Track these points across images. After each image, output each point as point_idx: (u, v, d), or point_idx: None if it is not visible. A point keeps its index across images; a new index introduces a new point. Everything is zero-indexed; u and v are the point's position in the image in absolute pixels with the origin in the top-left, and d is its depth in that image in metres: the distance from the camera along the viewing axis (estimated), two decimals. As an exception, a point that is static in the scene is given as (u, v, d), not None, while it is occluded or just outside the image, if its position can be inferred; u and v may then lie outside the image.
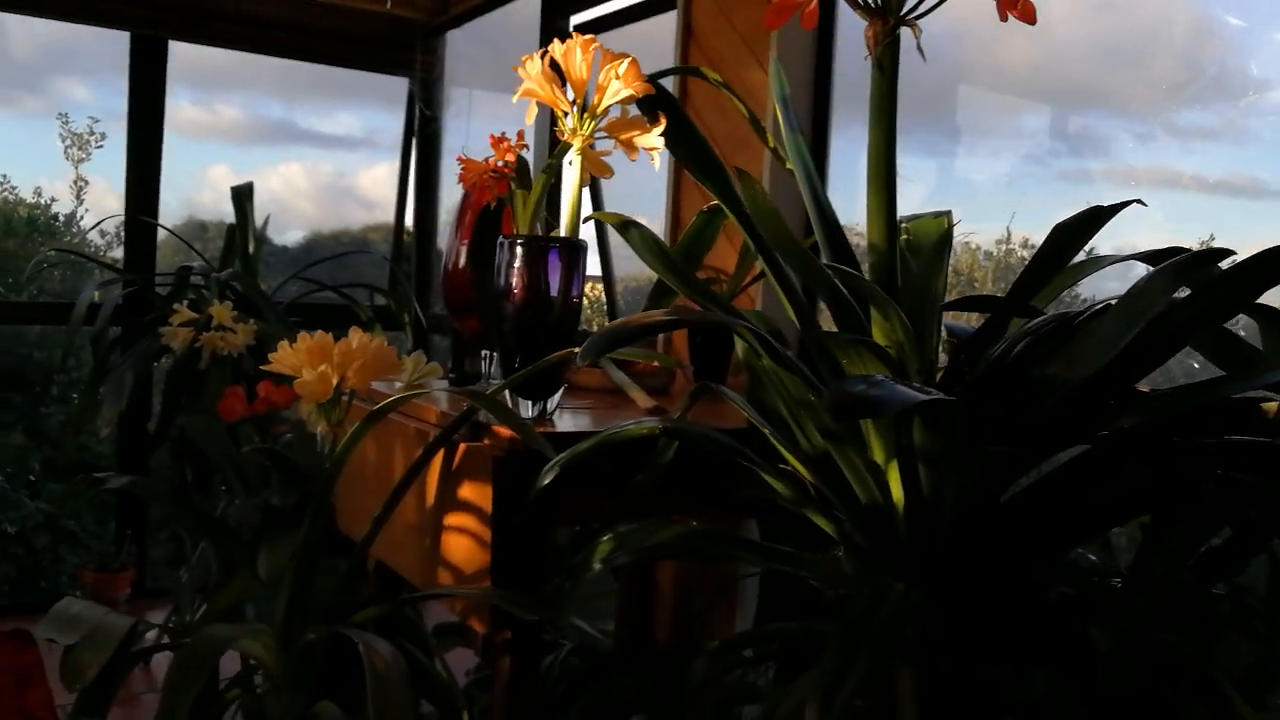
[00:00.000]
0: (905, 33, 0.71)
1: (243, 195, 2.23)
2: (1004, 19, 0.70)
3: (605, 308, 2.23)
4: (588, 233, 1.84)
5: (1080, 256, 0.81)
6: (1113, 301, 0.76)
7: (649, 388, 1.36)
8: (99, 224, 2.78)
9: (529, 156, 1.15)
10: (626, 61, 0.95)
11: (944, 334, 0.89)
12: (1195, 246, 1.60)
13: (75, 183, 2.74)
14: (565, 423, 1.06)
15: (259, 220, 2.32)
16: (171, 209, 2.67)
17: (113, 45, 2.41)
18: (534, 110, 1.02)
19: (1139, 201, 0.74)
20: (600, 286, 2.22)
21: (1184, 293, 0.70)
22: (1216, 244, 1.45)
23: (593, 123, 1.00)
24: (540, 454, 0.86)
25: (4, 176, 2.79)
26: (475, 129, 2.73)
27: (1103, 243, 1.83)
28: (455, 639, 1.41)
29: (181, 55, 2.48)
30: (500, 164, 1.05)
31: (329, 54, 2.58)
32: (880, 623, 0.63)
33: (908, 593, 0.69)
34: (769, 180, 1.45)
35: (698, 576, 1.54)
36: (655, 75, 1.02)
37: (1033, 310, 0.84)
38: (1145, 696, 0.67)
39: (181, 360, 1.79)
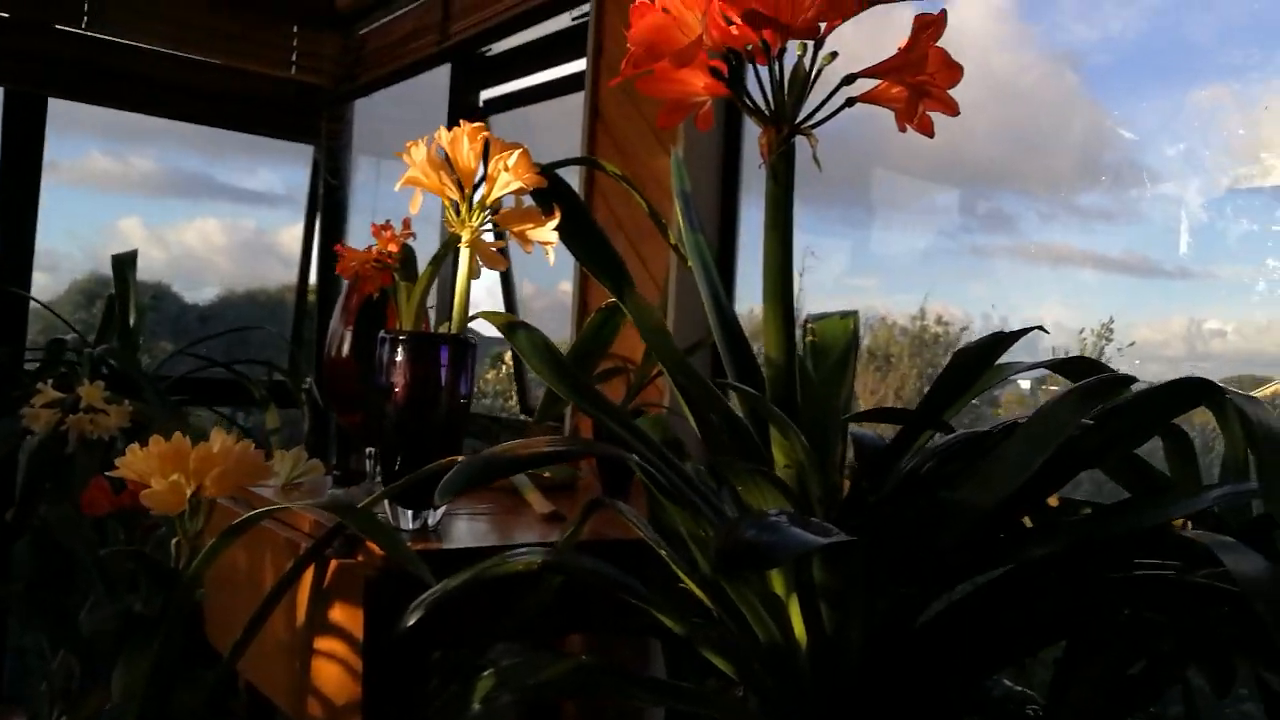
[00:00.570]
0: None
1: (124, 264, 2.10)
2: (903, 130, 0.67)
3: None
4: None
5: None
6: (1020, 420, 0.73)
7: (552, 484, 1.29)
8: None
9: (432, 241, 1.09)
10: (516, 153, 0.90)
11: (850, 447, 0.85)
12: (1096, 325, 1.65)
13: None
14: (453, 534, 0.99)
15: (169, 278, 2.19)
16: (76, 262, 2.53)
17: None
18: (419, 199, 0.96)
19: (1040, 328, 0.71)
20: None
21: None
22: (1115, 322, 1.54)
23: (482, 214, 0.94)
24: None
25: None
26: (383, 199, 2.66)
27: (1014, 316, 1.87)
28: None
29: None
30: (383, 253, 0.98)
31: (229, 118, 2.49)
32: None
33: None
34: (675, 273, 1.41)
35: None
36: (551, 165, 0.97)
37: (942, 424, 0.81)
38: None
39: (46, 443, 1.65)
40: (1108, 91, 1.62)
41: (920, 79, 0.59)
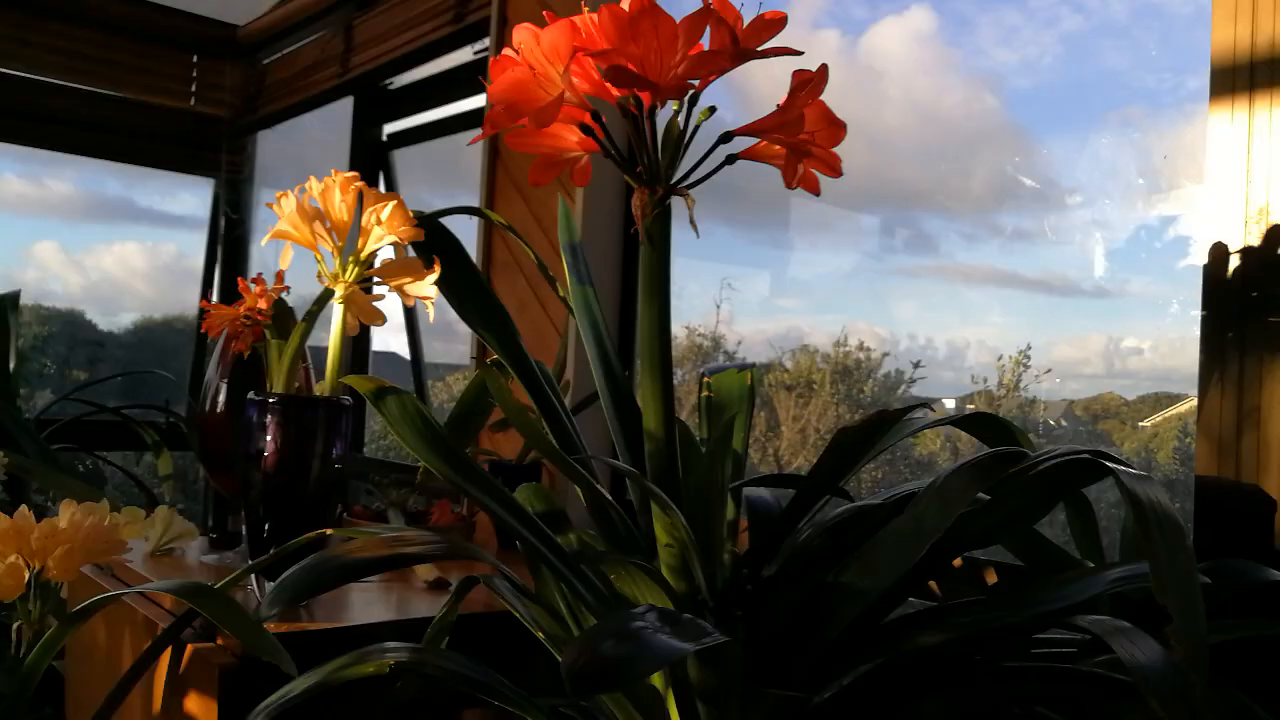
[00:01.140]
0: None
1: (5, 305, 1.98)
2: (790, 187, 0.64)
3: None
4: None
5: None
6: (914, 490, 0.70)
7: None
8: None
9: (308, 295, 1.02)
10: (390, 204, 0.84)
11: (743, 512, 0.81)
12: (1014, 350, 1.64)
13: None
14: (329, 609, 0.92)
15: (84, 303, 2.06)
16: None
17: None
18: (289, 253, 0.90)
19: (927, 406, 0.68)
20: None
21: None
22: (1032, 347, 1.56)
23: (356, 268, 0.88)
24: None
25: None
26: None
27: (938, 336, 1.87)
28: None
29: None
30: (253, 310, 0.91)
31: (125, 151, 2.38)
32: None
33: None
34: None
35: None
36: (432, 215, 0.92)
37: (836, 490, 0.77)
38: None
39: (-93, 504, 1.53)
40: (1027, 115, 1.65)
41: (800, 139, 0.56)
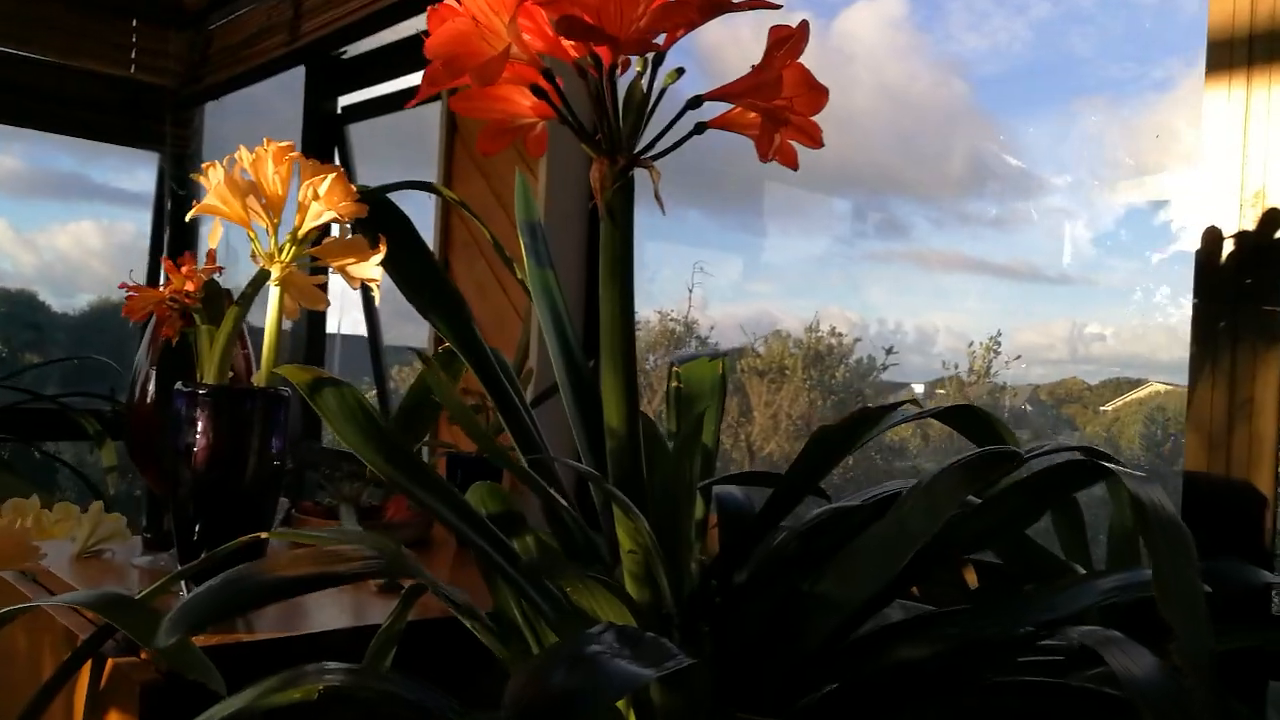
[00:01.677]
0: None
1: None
2: (764, 161, 0.58)
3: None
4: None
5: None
6: (897, 491, 0.65)
7: (404, 543, 1.16)
8: None
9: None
10: (330, 177, 0.77)
11: (713, 509, 0.75)
12: (984, 336, 1.64)
13: None
14: (268, 616, 0.85)
15: (38, 284, 1.96)
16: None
17: None
18: (219, 230, 0.83)
19: (914, 403, 0.63)
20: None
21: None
22: (1001, 332, 1.59)
23: (294, 247, 0.82)
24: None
25: None
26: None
27: (908, 320, 1.88)
28: None
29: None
30: (180, 292, 0.84)
31: (72, 124, 2.27)
32: None
33: None
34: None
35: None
36: (380, 189, 0.85)
37: (814, 489, 0.72)
38: None
39: None
40: (996, 101, 1.68)
41: (777, 104, 0.50)
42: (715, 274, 1.95)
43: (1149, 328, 1.38)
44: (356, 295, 2.03)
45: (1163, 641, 0.54)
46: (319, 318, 1.98)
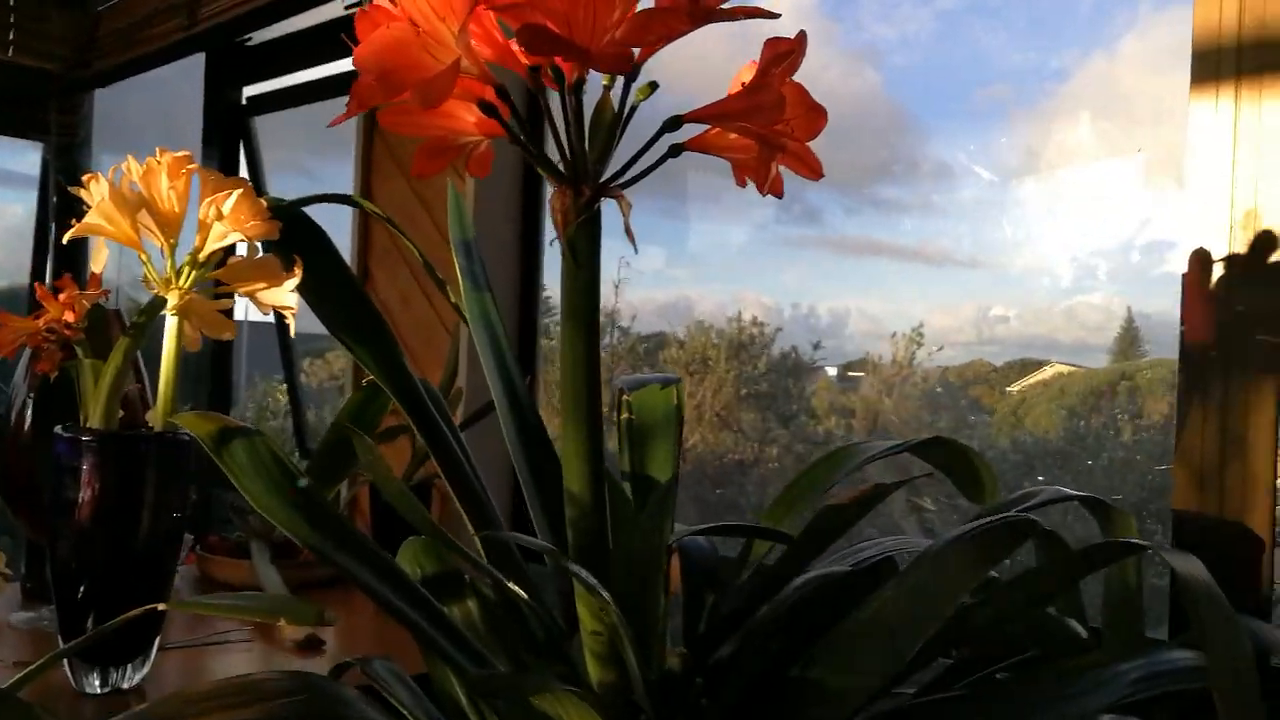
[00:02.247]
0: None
1: None
2: (741, 184, 0.51)
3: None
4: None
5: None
6: (893, 554, 0.58)
7: (322, 581, 1.07)
8: None
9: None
10: (235, 194, 0.67)
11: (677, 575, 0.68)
12: (909, 323, 1.69)
13: None
14: (164, 686, 0.75)
15: None
16: None
17: None
18: (103, 253, 0.72)
19: (904, 443, 0.56)
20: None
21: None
22: (910, 310, 1.66)
23: (194, 271, 0.71)
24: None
25: None
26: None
27: (821, 305, 1.92)
28: None
29: None
30: (58, 322, 0.73)
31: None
32: None
33: None
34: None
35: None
36: (295, 203, 0.75)
37: (777, 535, 0.66)
38: None
39: None
40: (906, 90, 1.73)
41: (774, 130, 0.42)
42: (636, 261, 1.93)
43: (1050, 309, 1.46)
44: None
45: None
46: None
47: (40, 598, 0.94)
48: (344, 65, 1.53)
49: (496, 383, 0.71)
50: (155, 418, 0.73)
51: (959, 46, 1.62)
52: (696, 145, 0.50)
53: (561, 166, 0.48)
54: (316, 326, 0.75)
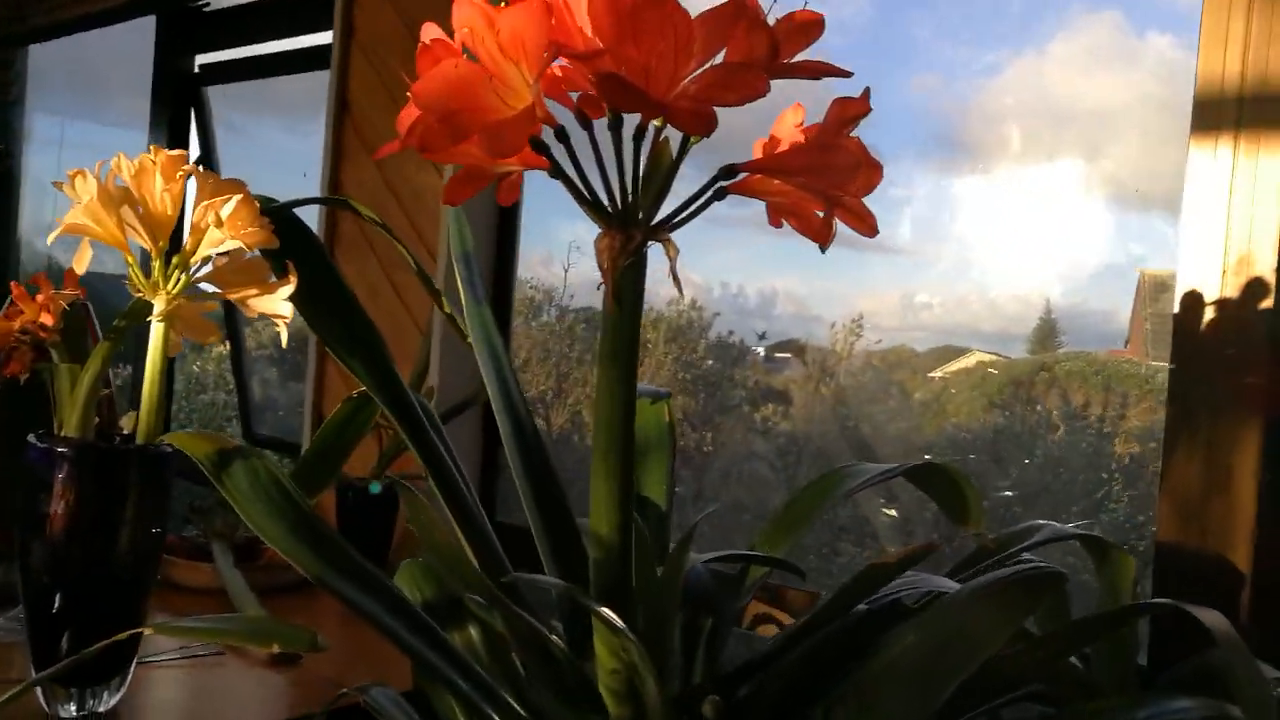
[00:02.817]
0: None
1: None
2: (825, 247, 0.49)
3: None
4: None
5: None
6: (906, 593, 0.58)
7: (287, 585, 1.04)
8: None
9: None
10: (234, 199, 0.64)
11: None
12: (849, 315, 1.73)
13: None
14: (137, 711, 0.72)
15: None
16: None
17: None
18: (87, 254, 0.68)
19: (897, 468, 0.56)
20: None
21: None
22: (837, 291, 1.68)
23: (184, 276, 0.68)
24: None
25: None
26: (70, 167, 2.19)
27: (749, 284, 1.94)
28: None
29: None
30: (33, 324, 0.69)
31: None
32: None
33: None
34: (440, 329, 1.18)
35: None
36: (284, 206, 0.72)
37: (779, 563, 0.66)
38: None
39: None
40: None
41: (839, 192, 0.42)
42: (574, 236, 1.94)
43: (971, 296, 1.49)
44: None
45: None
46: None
47: (5, 600, 0.89)
48: (313, 39, 1.48)
49: (496, 394, 0.69)
50: (137, 427, 0.69)
51: (893, 34, 1.64)
52: (740, 189, 0.49)
53: (609, 206, 0.46)
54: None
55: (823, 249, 0.45)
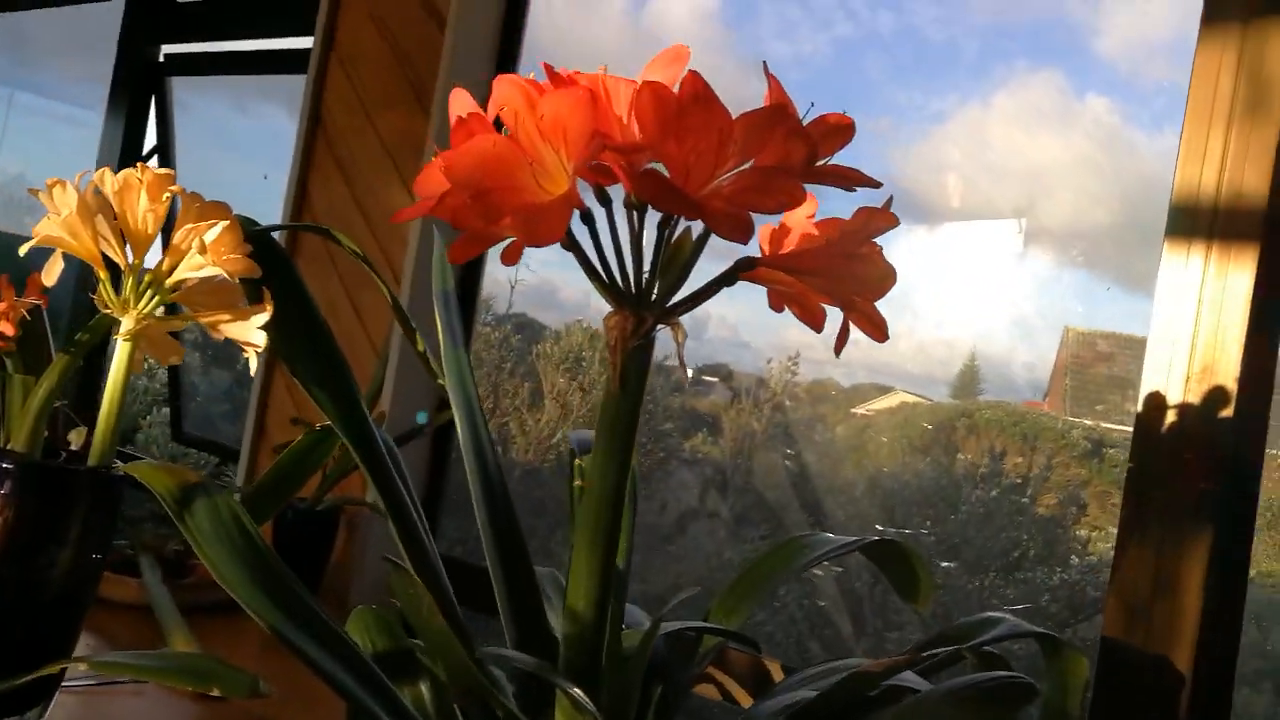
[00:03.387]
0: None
1: None
2: (778, 310, 0.50)
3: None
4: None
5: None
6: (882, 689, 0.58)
7: (214, 605, 1.00)
8: None
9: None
10: (220, 225, 0.62)
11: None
12: (760, 329, 1.76)
13: None
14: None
15: None
16: None
17: None
18: (58, 265, 0.65)
19: (854, 542, 0.57)
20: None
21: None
22: (770, 322, 1.82)
23: (155, 296, 0.65)
24: None
25: None
26: (14, 136, 2.12)
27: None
28: None
29: None
30: (-12, 332, 0.65)
31: None
32: None
33: None
34: (400, 334, 1.15)
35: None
36: (266, 229, 0.70)
37: (740, 638, 0.66)
38: None
39: None
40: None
41: (857, 299, 0.42)
42: (529, 252, 1.97)
43: (896, 334, 1.60)
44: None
45: None
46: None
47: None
48: (290, 43, 1.44)
49: (468, 443, 0.68)
50: (94, 449, 0.66)
51: (849, 75, 1.69)
52: (751, 277, 0.49)
53: (622, 286, 0.46)
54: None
55: (837, 352, 0.45)
